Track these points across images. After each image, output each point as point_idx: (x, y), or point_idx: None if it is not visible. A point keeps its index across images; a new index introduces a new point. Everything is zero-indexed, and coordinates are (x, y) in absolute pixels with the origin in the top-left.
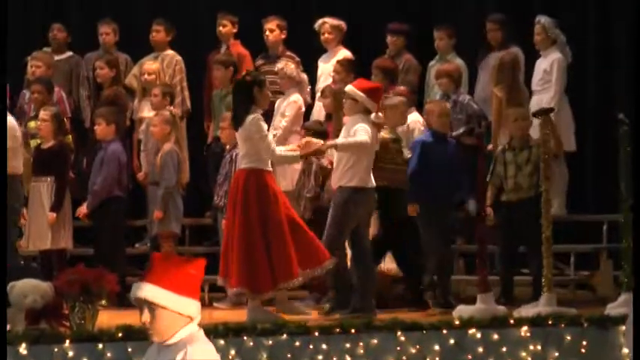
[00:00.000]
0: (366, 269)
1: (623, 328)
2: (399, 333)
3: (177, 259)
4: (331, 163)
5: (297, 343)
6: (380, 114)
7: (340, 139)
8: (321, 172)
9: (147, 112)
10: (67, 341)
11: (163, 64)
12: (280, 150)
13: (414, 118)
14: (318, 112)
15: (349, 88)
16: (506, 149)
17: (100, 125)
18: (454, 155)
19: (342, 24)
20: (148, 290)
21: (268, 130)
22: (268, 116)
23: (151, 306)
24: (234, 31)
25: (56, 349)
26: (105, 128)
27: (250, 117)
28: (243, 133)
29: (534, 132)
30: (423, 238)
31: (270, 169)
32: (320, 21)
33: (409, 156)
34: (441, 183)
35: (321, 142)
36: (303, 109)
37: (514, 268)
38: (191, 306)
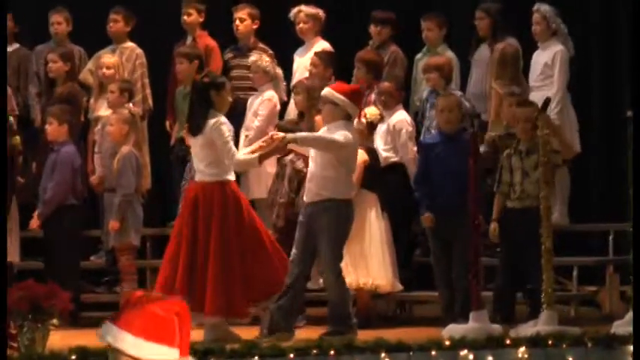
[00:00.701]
0: (341, 285)
1: (631, 348)
2: (383, 354)
3: (148, 299)
4: (307, 166)
5: None
6: (363, 120)
7: (303, 133)
8: (296, 176)
9: (104, 110)
10: None
11: (122, 58)
12: (240, 154)
13: (401, 117)
14: (294, 110)
15: (327, 91)
16: (512, 154)
17: (52, 125)
18: (465, 155)
19: (320, 12)
20: (108, 332)
21: (239, 131)
22: (240, 115)
23: (113, 349)
24: (201, 20)
25: None
26: (57, 128)
27: (212, 122)
28: (203, 140)
29: None
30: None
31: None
32: (295, 9)
33: (394, 159)
34: (445, 187)
35: (283, 135)
36: (278, 107)
37: (516, 284)
38: (156, 352)
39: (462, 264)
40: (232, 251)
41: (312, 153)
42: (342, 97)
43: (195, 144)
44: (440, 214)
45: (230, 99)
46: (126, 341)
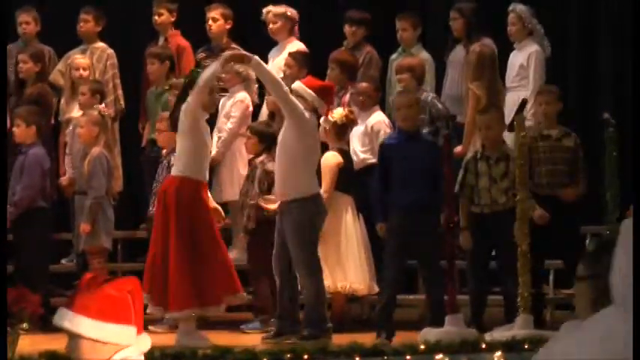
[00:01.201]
0: (317, 287)
1: None
2: (357, 359)
3: (100, 280)
4: None
5: None
6: (330, 117)
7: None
8: (266, 178)
9: (76, 112)
10: None
11: (93, 58)
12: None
13: (378, 119)
14: (267, 112)
15: (297, 85)
16: (479, 158)
17: (19, 127)
18: (427, 154)
19: (289, 11)
20: (64, 317)
21: (212, 131)
22: (212, 117)
23: (70, 334)
24: (172, 20)
25: None
26: (24, 130)
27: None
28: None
29: (509, 138)
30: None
31: (205, 180)
32: (265, 10)
33: (371, 161)
34: (409, 187)
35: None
36: (251, 109)
37: (486, 287)
38: (115, 332)
39: (434, 267)
40: (202, 240)
41: (277, 154)
42: (310, 91)
43: (177, 139)
44: (405, 214)
45: (213, 97)
46: (84, 325)
